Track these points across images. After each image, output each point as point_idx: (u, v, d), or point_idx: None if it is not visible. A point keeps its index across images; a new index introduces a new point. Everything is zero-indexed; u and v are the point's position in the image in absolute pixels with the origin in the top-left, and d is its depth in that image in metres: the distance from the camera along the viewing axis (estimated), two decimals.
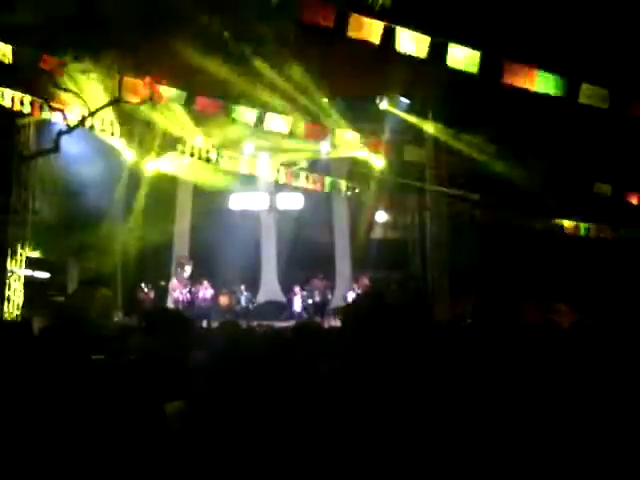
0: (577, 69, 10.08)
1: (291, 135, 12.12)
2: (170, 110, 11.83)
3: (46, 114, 11.40)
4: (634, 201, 10.84)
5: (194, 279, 14.74)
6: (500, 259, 12.39)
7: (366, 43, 9.64)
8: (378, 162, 13.49)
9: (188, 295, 14.25)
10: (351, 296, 14.11)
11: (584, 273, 11.22)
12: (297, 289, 14.63)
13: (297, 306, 14.51)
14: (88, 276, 14.10)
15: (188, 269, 14.67)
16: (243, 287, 14.80)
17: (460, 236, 12.68)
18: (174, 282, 14.30)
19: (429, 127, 12.61)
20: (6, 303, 11.89)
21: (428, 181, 12.73)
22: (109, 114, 11.59)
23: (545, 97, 10.01)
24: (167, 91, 10.34)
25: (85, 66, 9.86)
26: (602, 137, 11.09)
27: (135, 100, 10.74)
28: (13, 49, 10.19)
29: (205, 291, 14.27)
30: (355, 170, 14.38)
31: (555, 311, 9.28)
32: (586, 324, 2.60)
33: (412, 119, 12.55)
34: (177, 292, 14.19)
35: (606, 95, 9.77)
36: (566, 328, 2.57)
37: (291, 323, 11.21)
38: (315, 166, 14.39)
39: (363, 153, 13.40)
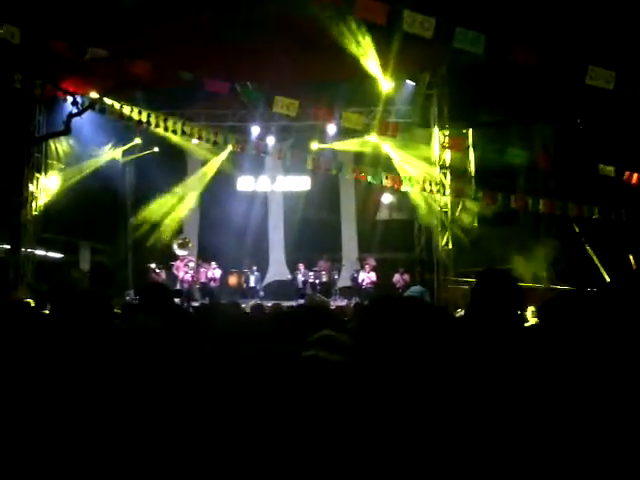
0: (583, 50, 10.06)
1: (299, 118, 12.19)
2: None
3: (57, 97, 11.56)
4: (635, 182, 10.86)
5: (203, 259, 14.96)
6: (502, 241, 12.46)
7: (372, 24, 9.65)
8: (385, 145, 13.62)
9: (192, 274, 14.45)
10: (362, 277, 14.28)
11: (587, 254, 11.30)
12: (301, 266, 14.83)
13: (299, 283, 14.73)
14: (100, 256, 14.38)
15: (187, 250, 14.86)
16: (255, 267, 14.99)
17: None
18: (177, 262, 14.49)
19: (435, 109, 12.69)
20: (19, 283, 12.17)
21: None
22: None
23: (553, 78, 10.04)
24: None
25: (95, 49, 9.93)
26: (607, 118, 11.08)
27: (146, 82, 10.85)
28: (22, 31, 10.30)
29: (213, 271, 14.48)
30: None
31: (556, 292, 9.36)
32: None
33: None
34: (181, 272, 14.39)
35: (612, 76, 9.76)
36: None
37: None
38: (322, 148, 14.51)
39: (371, 137, 13.51)
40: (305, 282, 14.59)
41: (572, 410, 1.69)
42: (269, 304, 9.29)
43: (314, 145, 14.34)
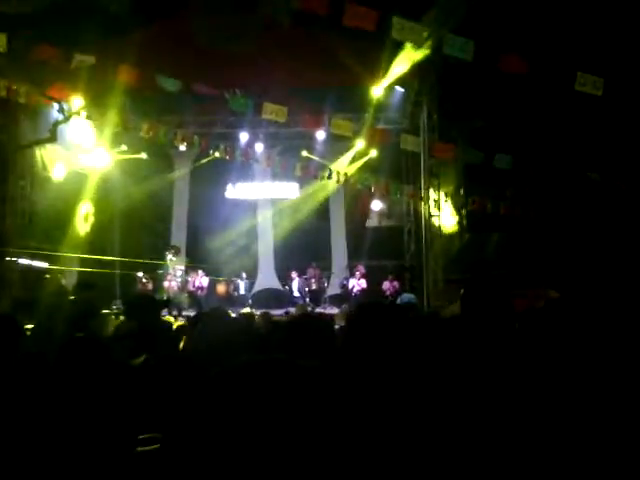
0: (572, 57, 10.14)
1: (288, 124, 12.16)
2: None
3: (42, 104, 11.40)
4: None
5: (190, 267, 14.83)
6: (491, 246, 12.51)
7: (361, 31, 9.66)
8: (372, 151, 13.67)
9: (179, 283, 14.31)
10: (351, 284, 14.25)
11: (577, 259, 11.33)
12: (294, 274, 14.76)
13: (295, 291, 14.65)
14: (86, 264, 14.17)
15: (175, 257, 14.74)
16: (244, 274, 14.87)
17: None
18: (168, 271, 14.38)
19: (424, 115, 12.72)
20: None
21: (422, 170, 12.81)
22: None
23: (540, 85, 10.11)
24: (164, 79, 10.33)
25: (82, 55, 9.84)
26: (594, 125, 11.17)
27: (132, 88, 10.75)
28: (8, 37, 10.17)
29: (200, 279, 14.35)
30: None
31: (546, 297, 9.36)
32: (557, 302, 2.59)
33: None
34: (166, 281, 14.26)
35: (600, 83, 9.84)
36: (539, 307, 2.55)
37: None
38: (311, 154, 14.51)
39: (359, 143, 13.54)
40: (300, 290, 14.53)
41: (554, 417, 1.67)
42: (258, 312, 9.21)
43: (303, 152, 14.33)
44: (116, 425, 1.93)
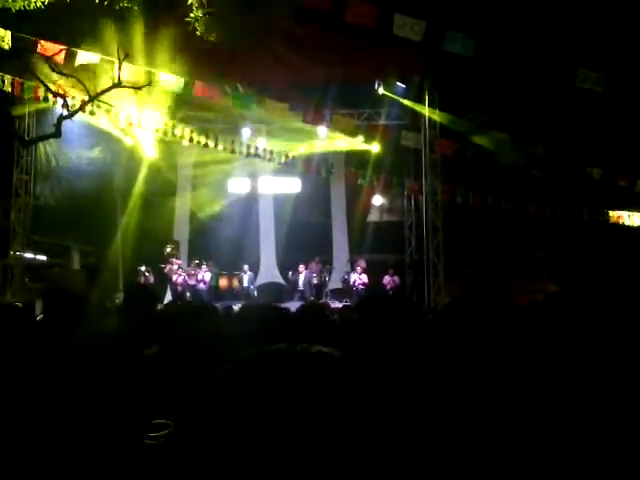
0: (573, 53, 10.19)
1: (290, 120, 12.22)
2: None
3: (46, 99, 11.47)
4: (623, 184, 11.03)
5: (193, 262, 14.93)
6: (492, 242, 12.58)
7: (363, 28, 9.72)
8: (374, 147, 13.71)
9: (186, 278, 14.41)
10: (353, 278, 14.31)
11: (575, 254, 11.43)
12: (302, 267, 14.86)
13: (300, 285, 14.73)
14: (89, 259, 14.30)
15: (173, 251, 14.84)
16: (246, 267, 14.94)
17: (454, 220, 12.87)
18: (170, 266, 14.47)
19: (425, 111, 12.73)
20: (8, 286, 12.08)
21: (423, 165, 12.86)
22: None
23: (541, 81, 10.18)
24: (165, 77, 10.40)
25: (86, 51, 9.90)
26: (595, 121, 11.23)
27: (135, 85, 10.81)
28: (12, 34, 10.22)
29: (203, 274, 14.45)
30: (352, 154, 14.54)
31: (545, 291, 9.45)
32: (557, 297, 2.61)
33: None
34: (175, 275, 14.38)
35: (601, 79, 9.89)
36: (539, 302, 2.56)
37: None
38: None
39: (359, 138, 13.58)
40: (309, 284, 14.57)
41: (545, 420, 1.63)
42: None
43: (304, 147, 14.36)
44: (127, 416, 1.98)
